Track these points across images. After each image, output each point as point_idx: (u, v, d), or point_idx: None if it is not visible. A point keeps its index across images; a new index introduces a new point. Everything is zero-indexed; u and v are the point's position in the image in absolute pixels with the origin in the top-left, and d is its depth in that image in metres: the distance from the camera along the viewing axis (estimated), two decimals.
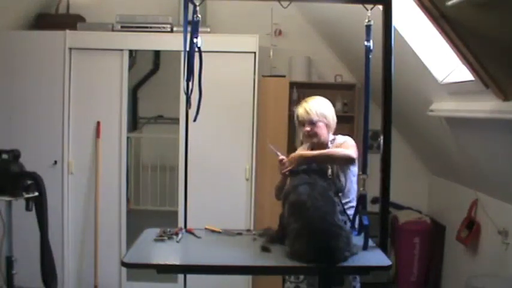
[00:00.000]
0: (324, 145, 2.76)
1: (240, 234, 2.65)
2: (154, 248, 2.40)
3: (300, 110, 2.76)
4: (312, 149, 2.78)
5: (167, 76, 4.96)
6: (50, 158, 4.18)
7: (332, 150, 2.68)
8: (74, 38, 4.20)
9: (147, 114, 5.34)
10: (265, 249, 2.34)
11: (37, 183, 2.99)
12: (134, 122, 5.25)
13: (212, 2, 4.60)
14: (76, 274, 4.30)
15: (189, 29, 2.62)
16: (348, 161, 2.60)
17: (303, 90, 4.85)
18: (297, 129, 2.90)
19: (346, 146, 2.70)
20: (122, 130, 4.25)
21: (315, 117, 2.71)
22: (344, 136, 2.81)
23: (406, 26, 3.22)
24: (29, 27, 4.49)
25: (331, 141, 2.79)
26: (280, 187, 2.73)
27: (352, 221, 2.62)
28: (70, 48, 4.19)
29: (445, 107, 3.46)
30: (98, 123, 4.24)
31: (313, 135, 2.73)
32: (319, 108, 2.74)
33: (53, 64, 4.18)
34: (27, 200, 2.98)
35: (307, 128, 2.72)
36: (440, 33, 2.64)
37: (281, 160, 2.61)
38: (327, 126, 2.75)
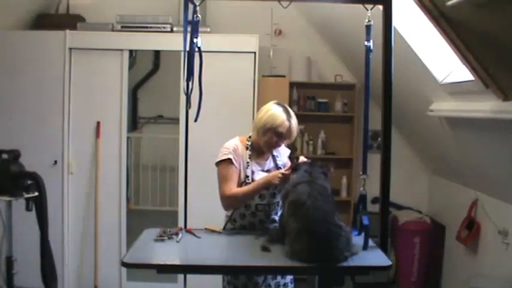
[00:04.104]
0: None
1: (240, 234, 2.64)
2: (154, 248, 2.40)
3: (285, 124, 2.55)
4: (260, 155, 2.70)
5: (167, 76, 4.96)
6: (50, 158, 4.18)
7: None
8: (74, 38, 4.20)
9: (147, 114, 5.34)
10: (265, 249, 2.34)
11: (37, 183, 2.98)
12: (134, 122, 5.26)
13: (212, 2, 4.60)
14: (76, 274, 4.30)
15: (189, 29, 2.62)
16: None
17: (303, 90, 4.85)
18: (260, 131, 2.60)
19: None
20: (122, 130, 4.26)
21: (293, 138, 2.65)
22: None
23: (406, 26, 3.22)
24: (29, 27, 4.49)
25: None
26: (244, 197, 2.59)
27: None
28: (70, 48, 4.19)
29: (445, 107, 3.46)
30: (98, 123, 4.24)
31: (276, 148, 2.67)
32: (297, 127, 2.64)
33: (53, 64, 4.18)
34: (27, 200, 2.98)
35: (280, 142, 2.62)
36: (440, 33, 2.64)
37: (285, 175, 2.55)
38: None
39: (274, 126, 2.56)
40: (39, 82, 4.19)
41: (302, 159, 2.58)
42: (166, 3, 4.69)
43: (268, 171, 2.68)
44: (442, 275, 4.44)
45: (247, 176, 2.61)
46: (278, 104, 2.63)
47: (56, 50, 4.18)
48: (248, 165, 2.62)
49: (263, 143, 2.61)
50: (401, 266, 4.57)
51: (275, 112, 2.58)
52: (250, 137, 2.71)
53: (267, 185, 2.56)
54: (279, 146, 2.64)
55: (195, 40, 2.62)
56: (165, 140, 5.08)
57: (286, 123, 2.56)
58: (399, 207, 4.84)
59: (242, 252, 2.36)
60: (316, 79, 4.95)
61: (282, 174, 2.52)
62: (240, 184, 2.61)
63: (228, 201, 2.60)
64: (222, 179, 2.60)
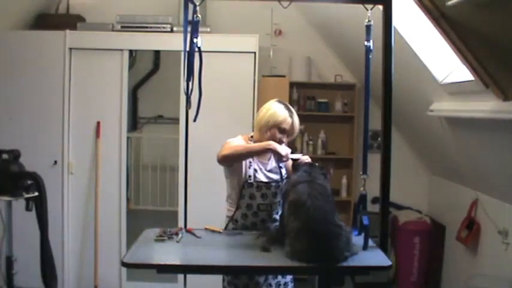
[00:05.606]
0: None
1: (240, 234, 2.65)
2: (154, 248, 2.40)
3: (287, 120, 2.59)
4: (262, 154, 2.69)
5: (167, 76, 4.96)
6: (50, 158, 4.18)
7: None
8: (74, 38, 4.20)
9: (147, 114, 5.34)
10: (265, 249, 2.34)
11: (37, 183, 2.98)
12: (134, 122, 5.26)
13: (212, 2, 4.60)
14: (76, 274, 4.30)
15: (189, 29, 2.62)
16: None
17: (303, 90, 4.86)
18: (263, 129, 2.62)
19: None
20: (122, 130, 4.25)
21: (295, 135, 2.68)
22: None
23: (406, 26, 3.22)
24: (29, 27, 4.49)
25: None
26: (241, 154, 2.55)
27: None
28: (70, 48, 4.20)
29: (445, 107, 3.46)
30: (98, 123, 4.24)
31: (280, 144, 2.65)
32: (299, 124, 2.66)
33: (53, 64, 4.18)
34: (27, 200, 2.98)
35: (283, 139, 2.62)
36: (440, 33, 2.64)
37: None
38: None
39: (277, 123, 2.58)
40: (39, 82, 4.19)
41: (303, 159, 2.58)
42: (166, 3, 4.69)
43: (270, 171, 2.68)
44: (442, 275, 4.44)
45: (249, 176, 2.61)
46: (279, 101, 2.67)
47: (56, 50, 4.18)
48: (251, 165, 2.63)
49: (266, 140, 2.62)
50: (401, 266, 4.57)
51: (277, 109, 2.61)
52: (252, 137, 2.71)
53: (261, 151, 2.52)
54: (282, 142, 2.64)
55: (195, 40, 2.61)
56: (165, 140, 5.08)
57: (289, 119, 2.60)
58: (399, 207, 4.84)
59: (242, 252, 2.36)
60: (316, 79, 4.95)
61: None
62: (242, 184, 2.61)
63: (222, 149, 2.55)
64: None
